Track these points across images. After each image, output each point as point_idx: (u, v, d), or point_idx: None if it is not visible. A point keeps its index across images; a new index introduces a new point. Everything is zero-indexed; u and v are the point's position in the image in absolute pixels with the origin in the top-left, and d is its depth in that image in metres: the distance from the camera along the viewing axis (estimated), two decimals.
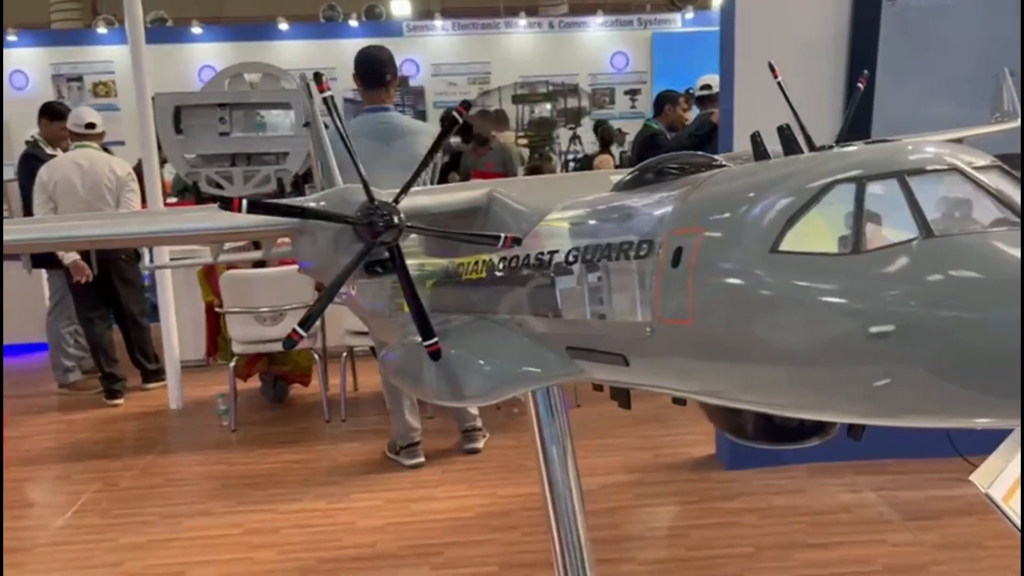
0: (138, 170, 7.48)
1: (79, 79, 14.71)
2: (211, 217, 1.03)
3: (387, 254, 1.03)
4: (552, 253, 1.15)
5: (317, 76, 1.01)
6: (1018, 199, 0.84)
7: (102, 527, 4.20)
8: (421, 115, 14.87)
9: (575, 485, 1.46)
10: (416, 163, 4.71)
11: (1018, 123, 1.88)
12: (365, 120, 4.56)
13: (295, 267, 5.10)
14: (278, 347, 5.35)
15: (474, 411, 4.90)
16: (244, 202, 0.92)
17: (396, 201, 1.04)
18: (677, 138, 5.69)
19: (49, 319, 6.37)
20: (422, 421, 5.07)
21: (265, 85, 7.56)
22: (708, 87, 5.81)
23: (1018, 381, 0.73)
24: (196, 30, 14.51)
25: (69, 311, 6.25)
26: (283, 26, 14.56)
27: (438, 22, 15.16)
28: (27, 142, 6.67)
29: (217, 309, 5.35)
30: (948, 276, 0.76)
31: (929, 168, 0.85)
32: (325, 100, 1.01)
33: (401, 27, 15.21)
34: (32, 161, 6.18)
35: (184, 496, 4.53)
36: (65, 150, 6.10)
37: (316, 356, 5.52)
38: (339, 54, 14.64)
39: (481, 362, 1.23)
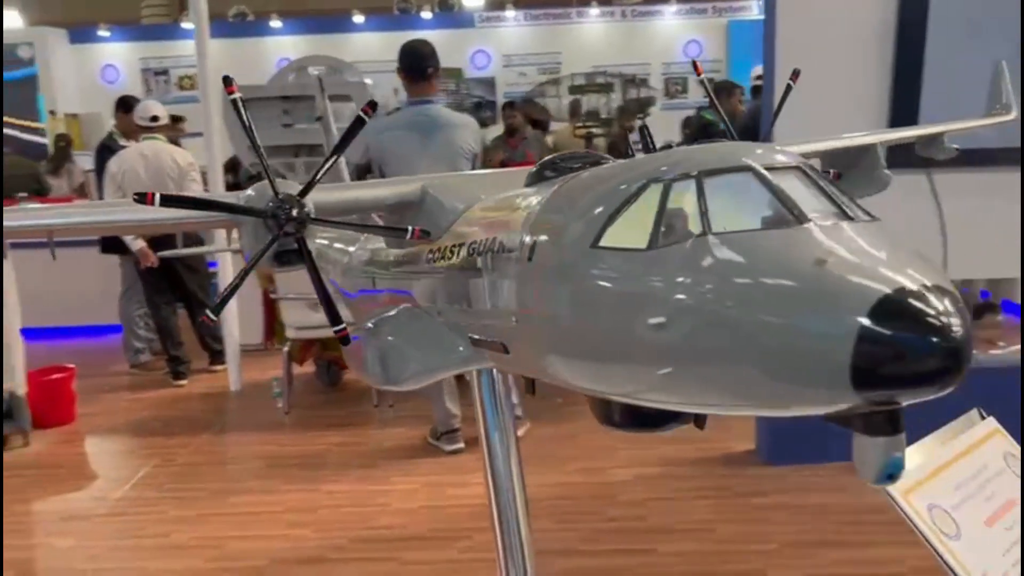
0: (234, 163, 7.80)
1: (165, 73, 15.34)
2: (133, 210, 1.12)
3: (296, 245, 1.10)
4: (460, 246, 1.21)
5: (226, 79, 1.07)
6: (806, 200, 0.86)
7: (155, 500, 4.43)
8: (491, 106, 15.00)
9: (517, 475, 1.50)
10: (456, 155, 4.76)
11: (1012, 116, 1.82)
12: (407, 113, 4.66)
13: None
14: (329, 333, 5.52)
15: (515, 399, 4.94)
16: (157, 196, 1.00)
17: (302, 195, 1.10)
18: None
19: (121, 303, 6.71)
20: (465, 408, 5.17)
21: (328, 78, 7.75)
22: (762, 77, 5.70)
23: (777, 369, 0.76)
24: (275, 24, 14.94)
25: (139, 296, 6.57)
26: (358, 19, 14.86)
27: (510, 13, 15.21)
28: (108, 135, 7.04)
29: (272, 295, 5.54)
30: (713, 271, 0.80)
31: (725, 168, 0.88)
32: (233, 102, 1.07)
33: (473, 18, 15.33)
34: (106, 152, 6.52)
35: (233, 474, 4.73)
36: (138, 142, 6.41)
37: None
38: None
39: (408, 349, 1.29)
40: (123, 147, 6.53)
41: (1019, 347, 4.81)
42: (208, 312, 1.07)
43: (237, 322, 6.19)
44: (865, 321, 0.70)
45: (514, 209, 1.08)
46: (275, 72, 7.94)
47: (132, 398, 6.20)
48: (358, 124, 1.08)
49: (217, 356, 6.58)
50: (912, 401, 0.75)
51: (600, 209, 0.92)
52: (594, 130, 8.68)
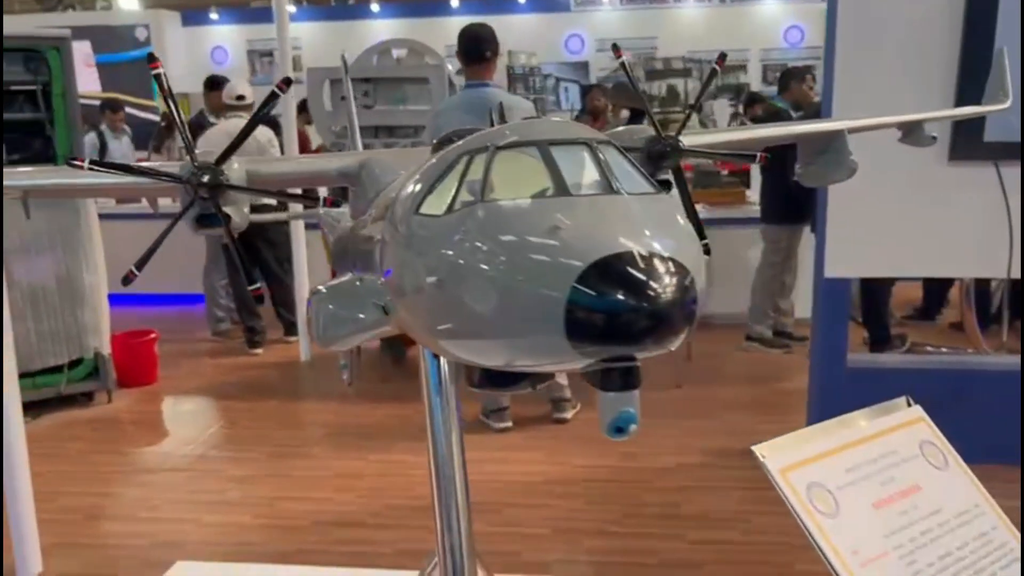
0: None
1: (270, 54, 15.88)
2: (69, 174, 1.23)
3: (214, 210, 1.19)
4: (370, 216, 1.29)
5: (151, 56, 1.16)
6: (578, 174, 0.90)
7: (217, 459, 4.70)
8: (586, 91, 14.95)
9: (458, 455, 1.55)
10: None
11: (1007, 105, 1.75)
12: (464, 95, 4.74)
13: None
14: None
15: (563, 381, 5.01)
16: (86, 160, 1.11)
17: (219, 163, 1.19)
18: (801, 118, 5.48)
19: (205, 274, 7.07)
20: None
21: (409, 61, 7.92)
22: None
23: (513, 327, 0.81)
24: (374, 7, 15.28)
25: (222, 267, 6.91)
26: (454, 2, 15.03)
27: None
28: (199, 112, 7.41)
29: (334, 270, 5.74)
30: (470, 235, 0.85)
31: (515, 143, 0.93)
32: (156, 77, 1.17)
33: (569, 2, 15.27)
34: (195, 129, 6.85)
35: (291, 439, 4.95)
36: (225, 119, 6.72)
37: None
38: (507, 30, 14.92)
39: (338, 312, 1.37)
40: (212, 124, 6.86)
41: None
42: (132, 267, 1.17)
43: (307, 294, 6.43)
44: (576, 284, 0.76)
45: (404, 178, 1.15)
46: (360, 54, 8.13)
47: (210, 364, 6.54)
48: (272, 98, 1.16)
49: (291, 328, 6.86)
50: (631, 356, 0.79)
51: (429, 177, 1.00)
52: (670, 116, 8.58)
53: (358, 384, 6.00)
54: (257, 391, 5.82)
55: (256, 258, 6.65)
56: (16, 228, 5.13)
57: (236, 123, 6.45)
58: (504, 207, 0.85)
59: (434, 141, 1.22)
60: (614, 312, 0.74)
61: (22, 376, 5.24)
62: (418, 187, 1.00)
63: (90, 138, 9.61)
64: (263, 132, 6.53)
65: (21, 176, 1.28)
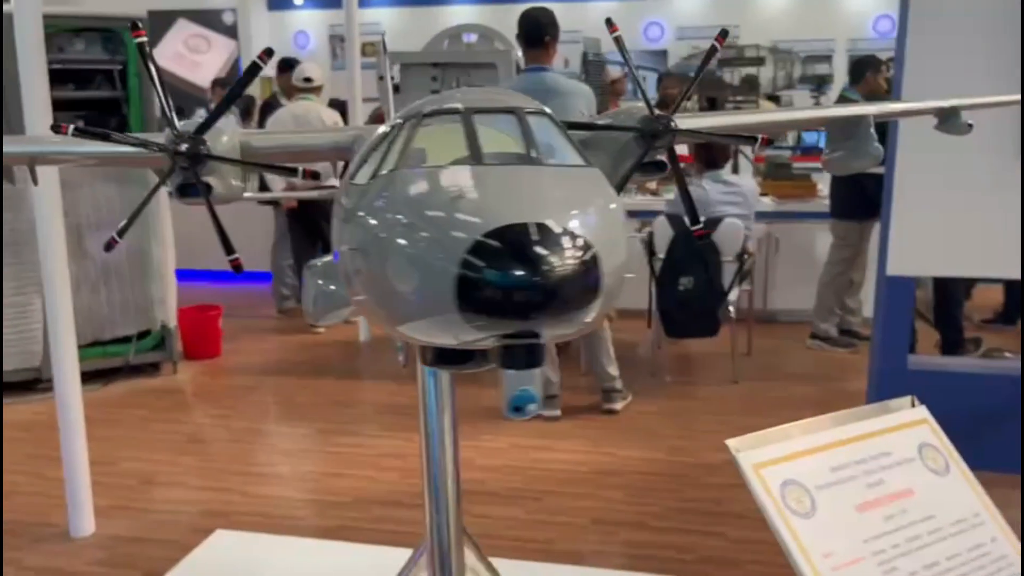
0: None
1: None
2: (51, 142, 1.25)
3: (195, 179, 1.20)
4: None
5: (134, 24, 1.17)
6: (499, 143, 0.86)
7: (270, 433, 4.81)
8: (659, 79, 14.72)
9: (450, 444, 1.54)
10: None
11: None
12: (522, 80, 4.72)
13: None
14: None
15: (614, 372, 4.95)
16: (71, 127, 1.13)
17: (199, 132, 1.19)
18: None
19: (272, 252, 7.24)
20: (577, 378, 5.26)
21: (480, 46, 7.92)
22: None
23: (414, 297, 0.79)
24: None
25: (289, 246, 7.06)
26: None
27: None
28: (272, 94, 7.57)
29: None
30: (383, 201, 0.83)
31: (441, 110, 0.91)
32: (139, 46, 1.17)
33: None
34: (267, 110, 7.02)
35: (341, 416, 5.03)
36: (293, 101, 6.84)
37: None
38: (587, 17, 14.80)
39: (325, 286, 1.39)
40: (281, 105, 7.00)
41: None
42: (114, 234, 1.19)
43: None
44: (467, 255, 0.73)
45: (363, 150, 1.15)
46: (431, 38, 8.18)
47: (273, 340, 6.69)
48: (254, 69, 1.16)
49: None
50: (532, 333, 0.76)
51: (370, 146, 1.00)
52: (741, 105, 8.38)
53: (413, 366, 6.04)
54: (315, 368, 5.93)
55: (318, 235, 6.76)
56: (91, 203, 5.35)
57: (304, 105, 6.57)
58: (413, 175, 0.84)
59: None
60: (502, 285, 0.72)
61: (94, 344, 5.50)
62: (360, 156, 1.00)
63: (199, 114, 9.88)
64: (330, 115, 6.63)
65: (10, 143, 1.31)
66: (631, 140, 1.26)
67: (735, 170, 7.94)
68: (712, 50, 1.36)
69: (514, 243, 0.73)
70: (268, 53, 1.15)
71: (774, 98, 9.80)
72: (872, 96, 5.53)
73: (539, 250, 0.73)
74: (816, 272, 6.23)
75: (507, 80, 6.37)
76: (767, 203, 6.81)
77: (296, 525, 3.66)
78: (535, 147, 0.87)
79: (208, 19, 15.47)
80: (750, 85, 11.23)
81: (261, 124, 6.97)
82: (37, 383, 5.18)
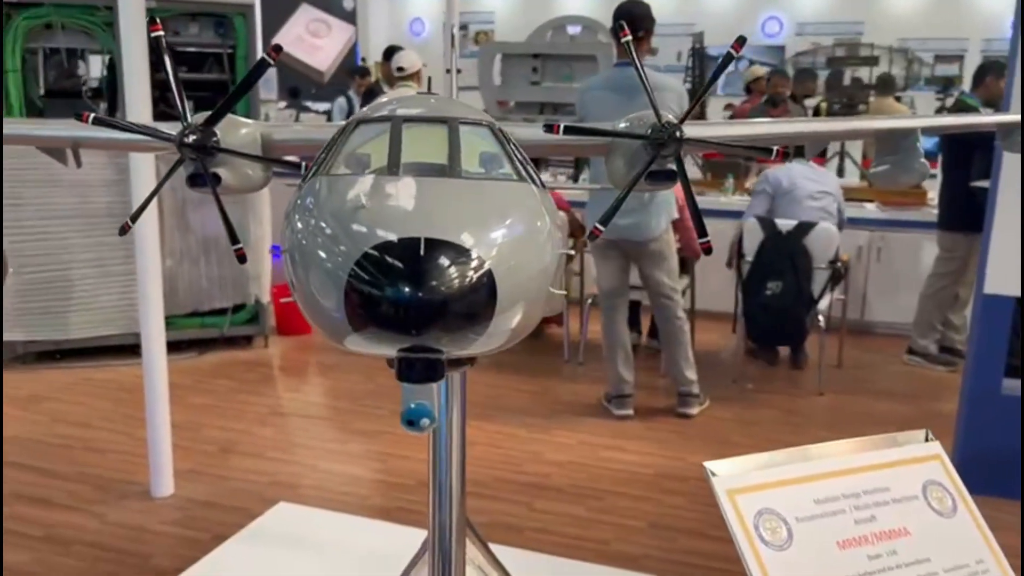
0: None
1: (465, 28, 16.30)
2: (74, 127, 1.31)
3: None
4: None
5: (151, 19, 1.21)
6: (422, 153, 0.83)
7: (346, 411, 4.95)
8: (768, 77, 14.28)
9: (458, 436, 1.55)
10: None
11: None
12: (612, 74, 4.66)
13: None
14: None
15: (692, 376, 4.86)
16: (91, 116, 1.18)
17: (208, 124, 1.23)
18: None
19: None
20: (655, 378, 5.19)
21: (583, 38, 7.87)
22: None
23: (321, 303, 0.77)
24: None
25: None
26: None
27: None
28: (375, 81, 7.75)
29: None
30: (305, 205, 0.82)
31: (377, 117, 0.89)
32: (156, 40, 1.21)
33: None
34: (368, 97, 7.18)
35: None
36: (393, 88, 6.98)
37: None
38: (699, 10, 14.51)
39: None
40: (383, 92, 7.15)
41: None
42: (128, 219, 1.25)
43: None
44: (354, 267, 0.73)
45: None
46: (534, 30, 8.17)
47: None
48: (262, 65, 1.18)
49: None
50: (428, 348, 0.74)
51: (324, 146, 1.00)
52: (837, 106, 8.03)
53: (493, 355, 6.09)
54: None
55: None
56: None
57: (404, 92, 6.68)
58: (329, 182, 0.85)
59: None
60: (382, 299, 0.72)
61: (193, 315, 5.78)
62: (316, 156, 1.02)
63: (340, 102, 10.21)
64: None
65: (33, 127, 1.39)
66: (640, 147, 1.23)
67: (840, 173, 7.66)
68: (728, 57, 1.31)
69: (398, 257, 0.73)
70: (276, 49, 1.18)
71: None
72: (991, 103, 5.21)
73: (423, 266, 0.73)
74: (919, 284, 5.94)
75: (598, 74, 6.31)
76: (871, 209, 6.53)
77: (358, 503, 3.76)
78: (458, 159, 0.86)
79: (329, 4, 15.93)
80: (885, 85, 10.77)
81: None
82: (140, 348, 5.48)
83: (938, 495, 1.11)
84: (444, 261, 0.74)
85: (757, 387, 5.43)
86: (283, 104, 13.13)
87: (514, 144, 0.93)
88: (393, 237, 0.75)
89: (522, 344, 4.80)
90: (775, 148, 1.22)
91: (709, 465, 1.04)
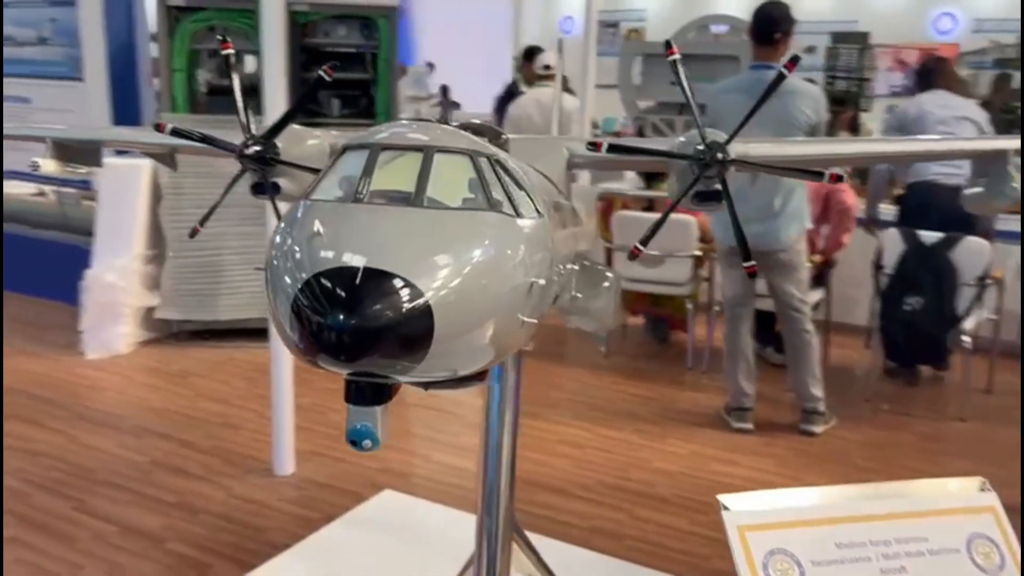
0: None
1: (615, 26, 16.19)
2: (150, 135, 1.42)
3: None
4: None
5: (222, 37, 1.28)
6: (393, 182, 0.81)
7: (464, 404, 5.05)
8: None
9: (508, 444, 1.56)
10: (787, 123, 4.47)
11: None
12: (746, 77, 4.52)
13: (683, 216, 5.29)
14: (660, 289, 5.67)
15: (818, 393, 4.65)
16: (169, 126, 1.27)
17: (268, 137, 1.29)
18: None
19: None
20: (781, 392, 5.02)
21: (729, 38, 7.68)
22: None
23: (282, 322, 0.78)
24: None
25: None
26: None
27: None
28: (512, 81, 7.86)
29: (606, 245, 5.82)
30: (286, 228, 0.83)
31: (359, 144, 0.88)
32: (226, 57, 1.28)
33: None
34: (508, 97, 7.27)
35: (532, 398, 5.14)
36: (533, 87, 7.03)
37: (689, 304, 5.70)
38: (863, 5, 13.78)
39: None
40: (522, 92, 7.22)
41: None
42: (197, 223, 1.33)
43: None
44: (298, 292, 0.74)
45: None
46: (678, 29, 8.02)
47: None
48: (319, 82, 1.23)
49: None
50: (373, 373, 0.74)
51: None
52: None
53: (615, 357, 6.05)
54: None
55: None
56: None
57: (544, 92, 6.70)
58: (304, 207, 0.87)
59: None
60: (320, 325, 0.74)
61: None
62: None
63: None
64: (571, 102, 6.68)
65: (134, 134, 1.51)
66: (686, 167, 1.20)
67: None
68: (780, 77, 1.26)
69: (335, 285, 0.75)
70: (333, 67, 1.23)
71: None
72: None
73: (356, 295, 0.75)
74: None
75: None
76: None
77: (462, 496, 3.83)
78: (424, 188, 0.87)
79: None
80: (997, 87, 9.87)
81: (501, 111, 7.24)
82: None
83: (984, 550, 1.03)
84: (379, 291, 0.76)
85: (892, 408, 5.13)
86: (434, 101, 13.53)
87: (507, 173, 0.92)
88: (333, 266, 0.77)
89: (646, 349, 4.82)
90: (827, 172, 1.16)
91: (723, 499, 1.01)
